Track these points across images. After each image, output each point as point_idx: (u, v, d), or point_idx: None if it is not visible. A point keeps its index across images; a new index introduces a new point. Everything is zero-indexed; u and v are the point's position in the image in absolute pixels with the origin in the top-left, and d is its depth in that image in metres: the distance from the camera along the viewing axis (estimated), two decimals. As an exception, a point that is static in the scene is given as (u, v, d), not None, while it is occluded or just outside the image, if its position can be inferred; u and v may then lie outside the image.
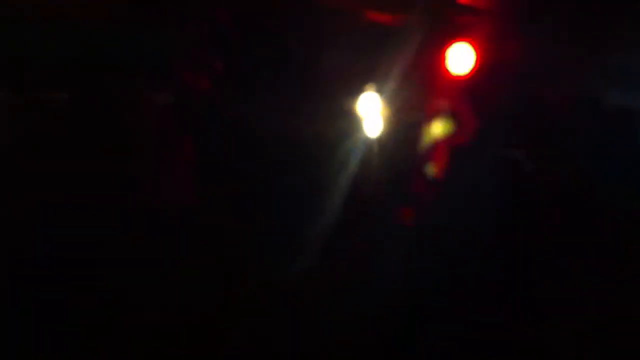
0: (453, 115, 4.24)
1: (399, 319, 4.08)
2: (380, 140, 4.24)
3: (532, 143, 4.33)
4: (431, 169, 4.26)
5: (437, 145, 4.27)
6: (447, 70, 4.19)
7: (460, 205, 4.14)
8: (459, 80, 4.20)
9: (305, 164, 4.13)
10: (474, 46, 4.16)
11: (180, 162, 4.26)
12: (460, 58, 4.17)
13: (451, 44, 4.15)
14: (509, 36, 4.16)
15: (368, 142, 4.24)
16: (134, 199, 4.14)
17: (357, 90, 4.22)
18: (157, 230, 4.05)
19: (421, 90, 4.22)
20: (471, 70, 4.17)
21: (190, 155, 4.27)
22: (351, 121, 4.22)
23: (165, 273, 3.96)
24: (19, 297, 3.80)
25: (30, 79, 4.17)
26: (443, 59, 4.18)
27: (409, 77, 4.13)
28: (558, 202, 4.26)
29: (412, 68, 4.10)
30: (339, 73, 4.21)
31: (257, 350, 3.88)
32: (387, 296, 4.02)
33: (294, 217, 4.13)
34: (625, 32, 4.25)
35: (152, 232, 4.02)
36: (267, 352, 3.90)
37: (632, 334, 3.93)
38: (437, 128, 4.28)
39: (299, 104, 4.16)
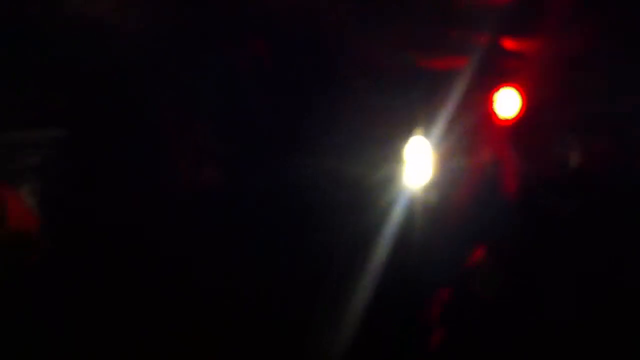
0: (499, 159, 4.22)
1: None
2: (426, 186, 4.20)
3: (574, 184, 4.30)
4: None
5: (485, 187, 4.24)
6: (494, 115, 4.18)
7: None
8: (505, 124, 4.19)
9: (348, 209, 4.10)
10: (520, 90, 4.16)
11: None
12: (507, 102, 4.18)
13: (498, 88, 4.15)
14: (556, 80, 4.12)
15: (414, 188, 4.20)
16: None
17: (405, 134, 4.19)
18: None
19: (469, 134, 4.19)
20: (517, 114, 4.17)
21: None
22: (397, 166, 4.19)
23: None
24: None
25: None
26: (490, 103, 4.17)
27: (456, 121, 4.12)
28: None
29: (459, 112, 4.09)
30: (387, 116, 4.16)
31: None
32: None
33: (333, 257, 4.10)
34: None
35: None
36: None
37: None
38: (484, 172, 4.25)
39: (344, 147, 4.12)
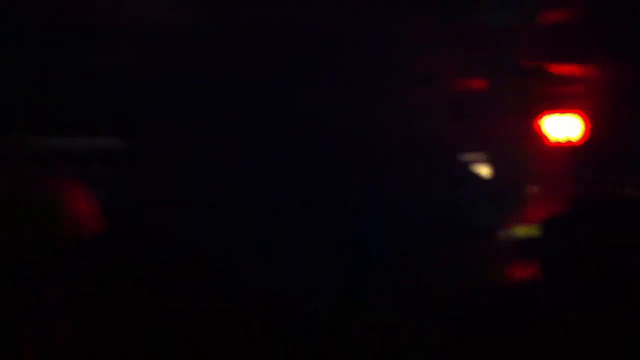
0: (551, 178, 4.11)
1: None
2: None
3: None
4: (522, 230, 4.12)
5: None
6: (545, 139, 4.09)
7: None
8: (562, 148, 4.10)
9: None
10: (580, 115, 4.06)
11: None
12: (559, 126, 4.07)
13: (549, 113, 4.06)
14: (613, 108, 4.00)
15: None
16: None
17: (449, 156, 4.11)
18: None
19: (518, 157, 4.10)
20: (578, 140, 4.07)
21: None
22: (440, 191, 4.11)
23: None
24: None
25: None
26: (539, 127, 4.08)
27: (503, 144, 4.04)
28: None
29: (506, 135, 4.01)
30: (429, 139, 4.10)
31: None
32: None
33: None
34: None
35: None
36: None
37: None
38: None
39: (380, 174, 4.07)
